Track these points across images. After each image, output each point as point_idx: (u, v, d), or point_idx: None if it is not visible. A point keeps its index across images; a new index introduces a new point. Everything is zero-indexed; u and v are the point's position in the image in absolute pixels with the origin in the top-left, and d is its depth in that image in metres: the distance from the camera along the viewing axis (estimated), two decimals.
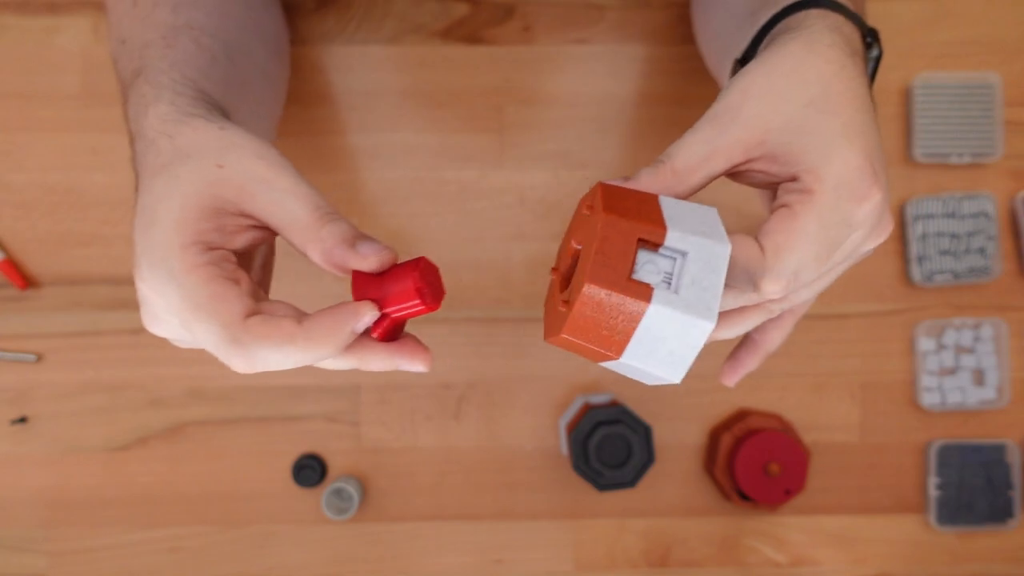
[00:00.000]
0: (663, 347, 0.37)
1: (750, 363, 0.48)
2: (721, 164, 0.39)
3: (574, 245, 0.40)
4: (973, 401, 0.72)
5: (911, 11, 0.72)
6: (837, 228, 0.37)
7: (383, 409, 0.72)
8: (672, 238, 0.37)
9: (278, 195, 0.39)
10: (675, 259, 0.37)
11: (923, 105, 0.71)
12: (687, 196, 0.40)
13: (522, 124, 0.71)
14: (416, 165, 0.71)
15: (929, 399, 0.72)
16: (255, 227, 0.40)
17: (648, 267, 0.37)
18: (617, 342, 0.37)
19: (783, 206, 0.38)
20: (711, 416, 0.73)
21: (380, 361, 0.40)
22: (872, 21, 0.72)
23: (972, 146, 0.71)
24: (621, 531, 0.73)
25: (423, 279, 0.40)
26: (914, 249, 0.71)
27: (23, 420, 0.69)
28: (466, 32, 0.71)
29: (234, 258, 0.40)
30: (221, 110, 0.45)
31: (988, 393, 0.72)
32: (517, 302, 0.72)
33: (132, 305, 0.71)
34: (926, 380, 0.72)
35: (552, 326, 0.40)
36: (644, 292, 0.36)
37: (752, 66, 0.40)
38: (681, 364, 0.37)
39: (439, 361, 0.72)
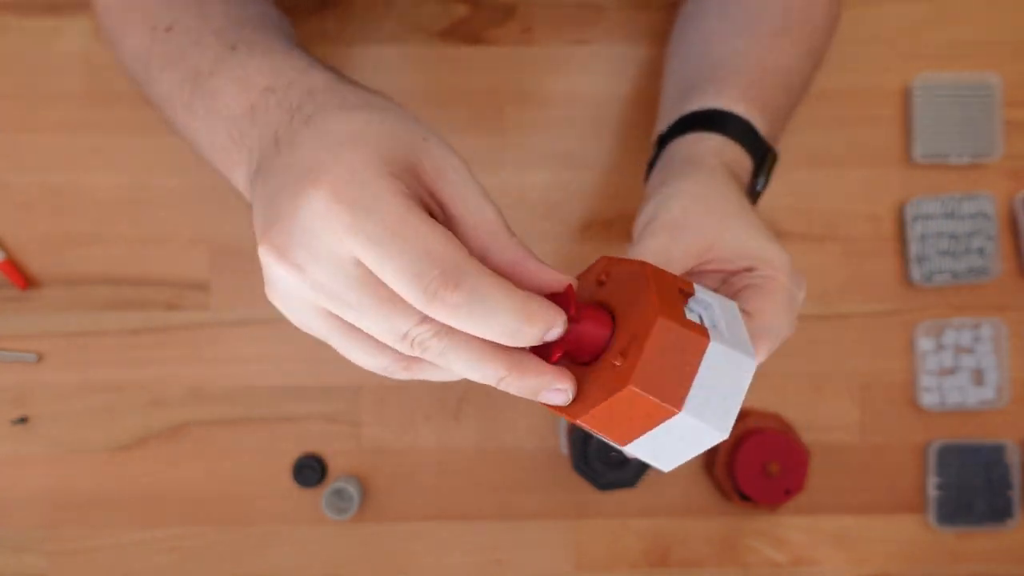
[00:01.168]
0: (717, 393, 0.34)
1: None
2: (679, 268, 0.45)
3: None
4: (973, 401, 0.72)
5: (911, 11, 0.72)
6: (793, 297, 0.45)
7: (383, 409, 0.72)
8: (699, 290, 0.38)
9: (472, 190, 0.36)
10: (704, 310, 0.37)
11: (923, 105, 0.71)
12: None
13: (522, 124, 0.72)
14: None
15: (929, 399, 0.72)
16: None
17: (694, 316, 0.36)
18: (680, 391, 0.33)
19: (751, 286, 0.45)
20: None
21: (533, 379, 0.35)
22: (872, 21, 0.72)
23: (972, 146, 0.72)
24: (621, 531, 0.73)
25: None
26: (914, 249, 0.71)
27: (23, 420, 0.69)
28: (466, 32, 0.71)
29: None
30: None
31: (988, 393, 0.72)
32: None
33: (132, 305, 0.71)
34: (926, 380, 0.72)
35: (599, 391, 0.34)
36: (702, 329, 0.34)
37: (679, 186, 0.48)
38: (731, 413, 0.35)
39: None
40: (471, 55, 0.71)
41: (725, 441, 0.70)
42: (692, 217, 0.46)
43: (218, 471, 0.72)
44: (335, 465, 0.72)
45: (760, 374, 0.72)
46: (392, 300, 0.33)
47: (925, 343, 0.72)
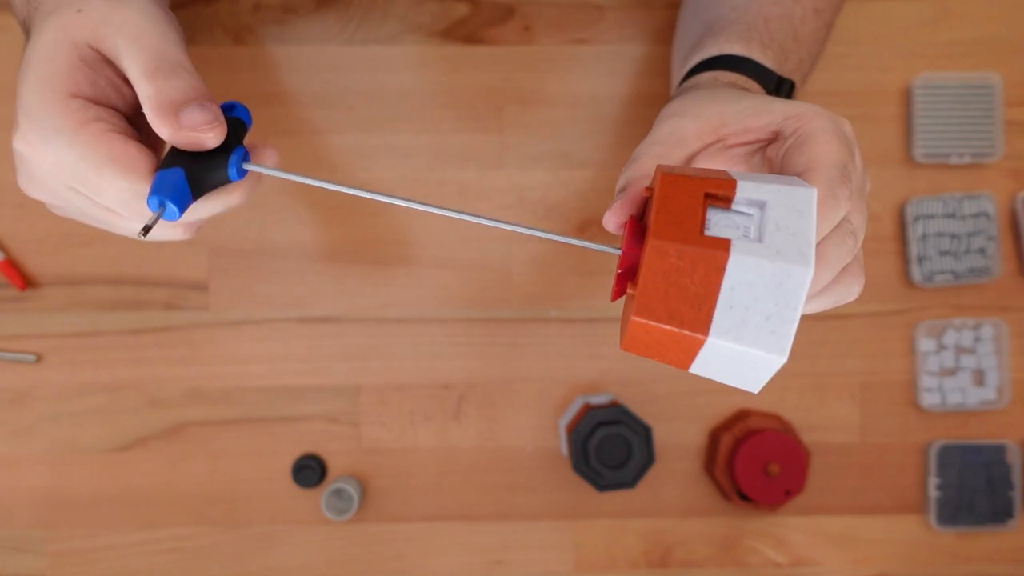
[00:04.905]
0: (757, 311, 0.31)
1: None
2: (695, 143, 0.41)
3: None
4: (973, 401, 0.72)
5: (911, 11, 0.72)
6: (841, 136, 0.39)
7: (383, 409, 0.72)
8: (745, 188, 0.32)
9: (125, 41, 0.39)
10: (753, 214, 0.32)
11: (923, 105, 0.71)
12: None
13: (522, 124, 0.71)
14: (416, 165, 0.71)
15: (929, 399, 0.72)
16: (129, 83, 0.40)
17: (722, 223, 0.32)
18: (701, 315, 0.30)
19: (789, 148, 0.39)
20: (711, 416, 0.73)
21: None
22: (872, 21, 0.72)
23: (972, 146, 0.71)
24: (621, 531, 0.73)
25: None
26: (914, 249, 0.71)
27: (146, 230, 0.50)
28: (466, 32, 0.71)
29: (122, 116, 0.40)
30: None
31: (988, 393, 0.72)
32: (517, 302, 0.72)
33: (132, 305, 0.71)
34: (926, 380, 0.72)
35: (625, 322, 0.33)
36: (720, 243, 0.30)
37: (676, 98, 0.46)
38: (784, 330, 0.31)
39: (439, 361, 0.72)
40: (471, 55, 0.71)
41: (725, 442, 0.70)
42: (696, 103, 0.43)
43: (218, 471, 0.72)
44: (335, 465, 0.72)
45: None
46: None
47: (926, 343, 0.72)
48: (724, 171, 0.34)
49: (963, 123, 0.71)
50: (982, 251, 0.71)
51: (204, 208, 0.41)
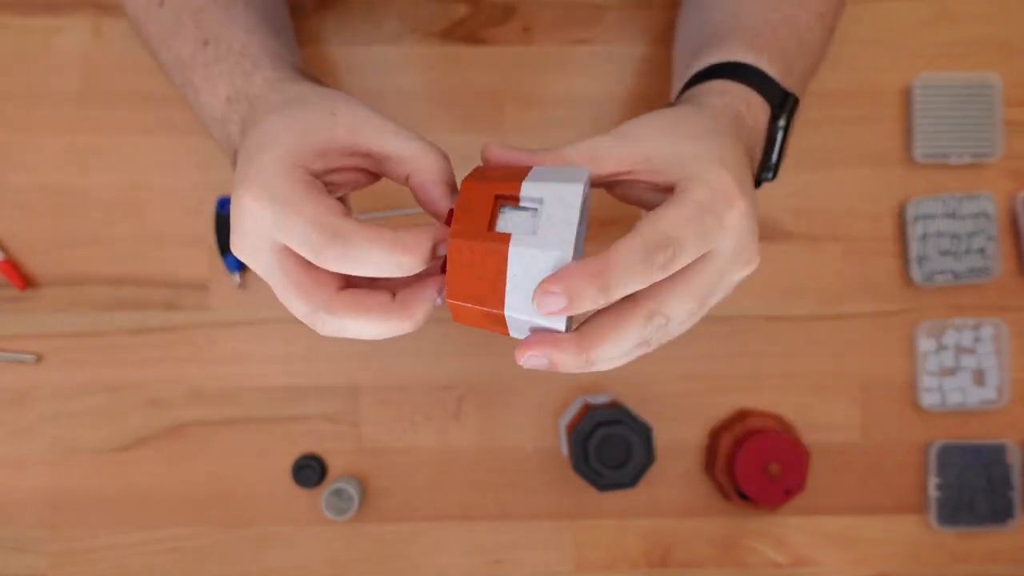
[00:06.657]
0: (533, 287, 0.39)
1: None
2: (607, 167, 0.43)
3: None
4: (973, 401, 0.72)
5: (911, 11, 0.72)
6: (709, 219, 0.40)
7: (383, 409, 0.72)
8: (527, 189, 0.40)
9: (388, 136, 0.43)
10: (535, 209, 0.40)
11: (923, 105, 0.71)
12: None
13: (522, 124, 0.71)
14: None
15: (929, 399, 0.72)
16: (357, 170, 0.44)
17: (510, 220, 0.40)
18: (495, 295, 0.39)
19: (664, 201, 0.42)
20: (711, 416, 0.73)
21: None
22: (872, 21, 0.72)
23: (972, 146, 0.71)
24: (621, 531, 0.73)
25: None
26: (914, 249, 0.71)
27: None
28: (466, 32, 0.71)
29: (331, 191, 0.43)
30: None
31: (988, 393, 0.72)
32: None
33: (132, 305, 0.71)
34: (926, 380, 0.72)
35: None
36: (502, 238, 0.39)
37: (652, 114, 0.47)
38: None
39: (439, 361, 0.72)
40: (471, 55, 0.71)
41: (725, 441, 0.70)
42: (642, 130, 0.44)
43: (218, 471, 0.72)
44: (335, 465, 0.72)
45: (760, 374, 0.72)
46: (301, 283, 0.41)
47: (926, 343, 0.72)
48: (528, 168, 0.42)
49: (963, 123, 0.71)
50: (982, 251, 0.71)
51: None
